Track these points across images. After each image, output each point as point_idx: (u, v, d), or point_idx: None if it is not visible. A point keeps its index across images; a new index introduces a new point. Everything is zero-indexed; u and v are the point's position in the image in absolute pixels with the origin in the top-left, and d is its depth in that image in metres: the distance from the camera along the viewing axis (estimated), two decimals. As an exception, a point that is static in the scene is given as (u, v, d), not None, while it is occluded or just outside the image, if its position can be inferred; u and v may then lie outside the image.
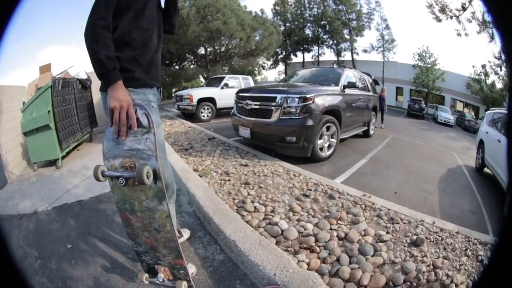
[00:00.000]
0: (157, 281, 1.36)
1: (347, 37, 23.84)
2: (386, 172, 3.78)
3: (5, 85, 4.00)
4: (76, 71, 5.32)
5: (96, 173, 1.14)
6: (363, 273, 1.41)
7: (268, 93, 3.85)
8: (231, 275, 1.48)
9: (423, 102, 16.23)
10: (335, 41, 24.29)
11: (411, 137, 7.85)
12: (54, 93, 3.69)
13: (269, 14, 22.52)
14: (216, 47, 18.30)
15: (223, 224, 1.78)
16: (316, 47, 25.80)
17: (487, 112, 5.37)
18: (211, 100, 8.12)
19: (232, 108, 4.72)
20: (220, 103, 8.22)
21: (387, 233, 1.85)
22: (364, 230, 1.85)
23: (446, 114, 13.85)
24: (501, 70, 15.43)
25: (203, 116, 7.99)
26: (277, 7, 25.72)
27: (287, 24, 25.87)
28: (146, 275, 1.39)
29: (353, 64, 22.31)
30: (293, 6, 25.88)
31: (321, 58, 25.46)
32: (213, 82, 9.32)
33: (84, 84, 4.86)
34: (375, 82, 6.82)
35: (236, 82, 8.95)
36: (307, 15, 25.24)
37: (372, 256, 1.58)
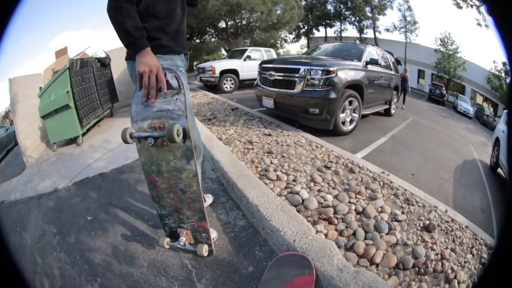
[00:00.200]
0: (179, 245, 1.39)
1: (369, 14, 22.62)
2: (405, 152, 3.73)
3: (18, 76, 4.04)
4: (94, 51, 5.40)
5: (124, 136, 1.15)
6: (376, 251, 1.43)
7: (291, 65, 3.81)
8: (252, 241, 1.51)
9: (444, 88, 15.58)
10: (357, 18, 23.15)
11: (432, 122, 7.61)
12: (72, 74, 3.76)
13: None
14: (237, 21, 17.68)
15: (247, 189, 1.78)
16: (338, 23, 24.70)
17: (505, 110, 5.08)
18: (234, 71, 8.09)
19: (254, 79, 4.71)
20: (243, 75, 8.19)
21: (402, 213, 1.84)
22: (381, 207, 1.84)
23: (466, 105, 13.42)
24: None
25: (226, 87, 8.01)
26: (298, -20, 24.40)
27: (309, -1, 24.63)
28: (168, 239, 1.42)
29: (376, 42, 21.25)
30: (314, -21, 24.45)
31: (343, 34, 24.34)
32: (235, 54, 9.21)
33: (103, 62, 4.95)
34: (397, 61, 6.53)
35: (258, 54, 8.83)
36: (328, -11, 23.86)
37: (387, 234, 1.59)
